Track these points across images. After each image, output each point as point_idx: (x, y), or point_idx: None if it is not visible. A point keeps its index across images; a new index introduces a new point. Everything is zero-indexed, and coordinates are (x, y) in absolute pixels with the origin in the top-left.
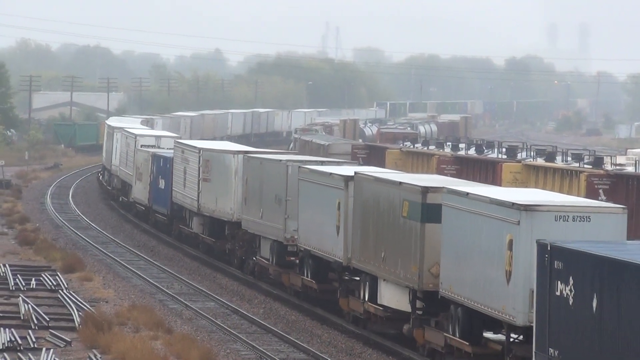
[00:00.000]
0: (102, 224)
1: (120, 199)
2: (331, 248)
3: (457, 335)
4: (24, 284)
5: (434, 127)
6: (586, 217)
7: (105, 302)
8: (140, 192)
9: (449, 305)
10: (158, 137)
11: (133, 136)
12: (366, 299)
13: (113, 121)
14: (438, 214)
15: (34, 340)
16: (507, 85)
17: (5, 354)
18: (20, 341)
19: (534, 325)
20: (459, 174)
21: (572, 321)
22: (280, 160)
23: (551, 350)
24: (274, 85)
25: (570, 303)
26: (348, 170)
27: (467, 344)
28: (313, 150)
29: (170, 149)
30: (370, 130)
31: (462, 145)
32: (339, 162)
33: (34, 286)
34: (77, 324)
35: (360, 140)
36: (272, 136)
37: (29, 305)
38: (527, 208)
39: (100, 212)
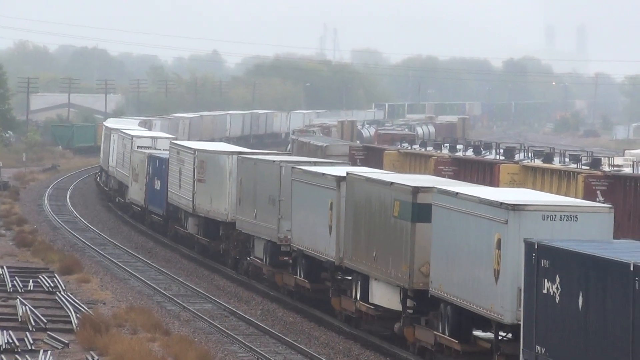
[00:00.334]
0: (100, 226)
1: (117, 200)
2: (324, 248)
3: (447, 334)
4: (21, 286)
5: (432, 129)
6: (573, 216)
7: (103, 304)
8: (136, 193)
9: (439, 304)
10: (154, 139)
11: (129, 137)
12: (358, 298)
13: (110, 123)
14: (428, 214)
15: (31, 342)
16: (505, 87)
17: (3, 356)
18: (17, 343)
19: (521, 323)
20: (456, 175)
21: (558, 319)
22: (274, 161)
23: (538, 347)
24: (271, 87)
25: (557, 301)
26: (340, 170)
27: (457, 342)
28: (311, 152)
29: (166, 150)
30: (368, 131)
31: (459, 147)
32: (331, 162)
33: (32, 288)
34: (74, 326)
35: (358, 142)
36: (270, 137)
37: (27, 307)
38: (515, 208)
39: (97, 214)
